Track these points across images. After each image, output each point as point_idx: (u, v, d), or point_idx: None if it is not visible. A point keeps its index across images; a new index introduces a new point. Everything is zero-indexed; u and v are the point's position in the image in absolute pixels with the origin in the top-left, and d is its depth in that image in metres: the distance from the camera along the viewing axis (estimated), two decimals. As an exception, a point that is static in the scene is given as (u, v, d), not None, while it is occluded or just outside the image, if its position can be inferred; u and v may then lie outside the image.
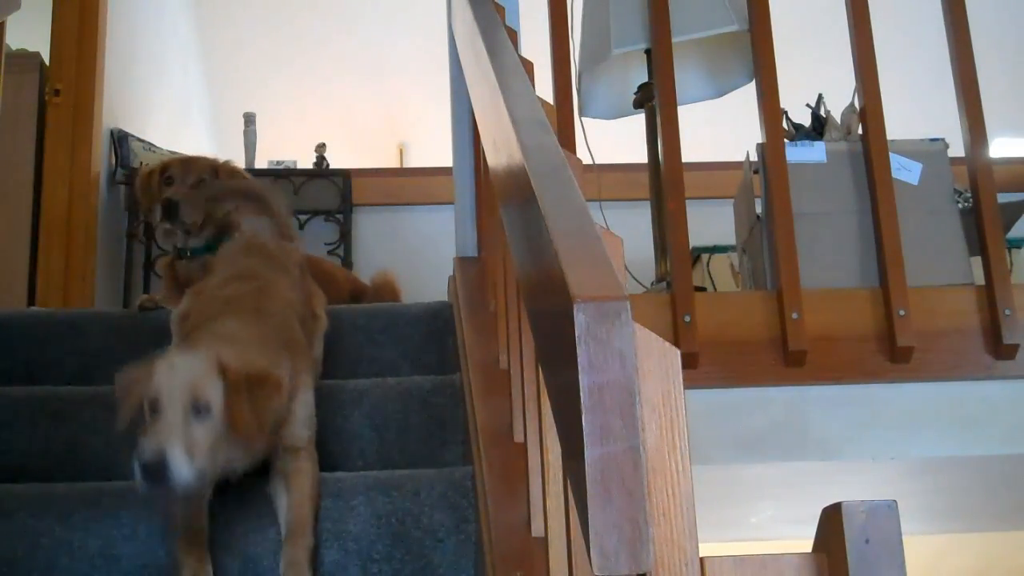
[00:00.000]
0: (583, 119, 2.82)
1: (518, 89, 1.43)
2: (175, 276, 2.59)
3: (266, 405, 1.56)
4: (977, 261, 2.40)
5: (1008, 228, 3.00)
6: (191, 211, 2.52)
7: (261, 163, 4.60)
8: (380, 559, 1.73)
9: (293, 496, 1.72)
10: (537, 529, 1.39)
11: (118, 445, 2.05)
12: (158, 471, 1.40)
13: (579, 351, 0.77)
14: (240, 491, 1.77)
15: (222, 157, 2.71)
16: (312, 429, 1.84)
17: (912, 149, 2.53)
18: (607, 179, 3.19)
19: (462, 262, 2.59)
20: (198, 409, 1.48)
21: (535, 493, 1.41)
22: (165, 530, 1.71)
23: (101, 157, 3.89)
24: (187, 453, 1.44)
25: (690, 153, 2.42)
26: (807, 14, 4.60)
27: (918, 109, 3.74)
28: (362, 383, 2.17)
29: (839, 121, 2.60)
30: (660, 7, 2.44)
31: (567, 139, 2.35)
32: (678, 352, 0.83)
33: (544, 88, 2.02)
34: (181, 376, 1.49)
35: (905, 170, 2.49)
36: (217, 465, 1.56)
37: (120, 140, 4.04)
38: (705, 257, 3.37)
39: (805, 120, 2.70)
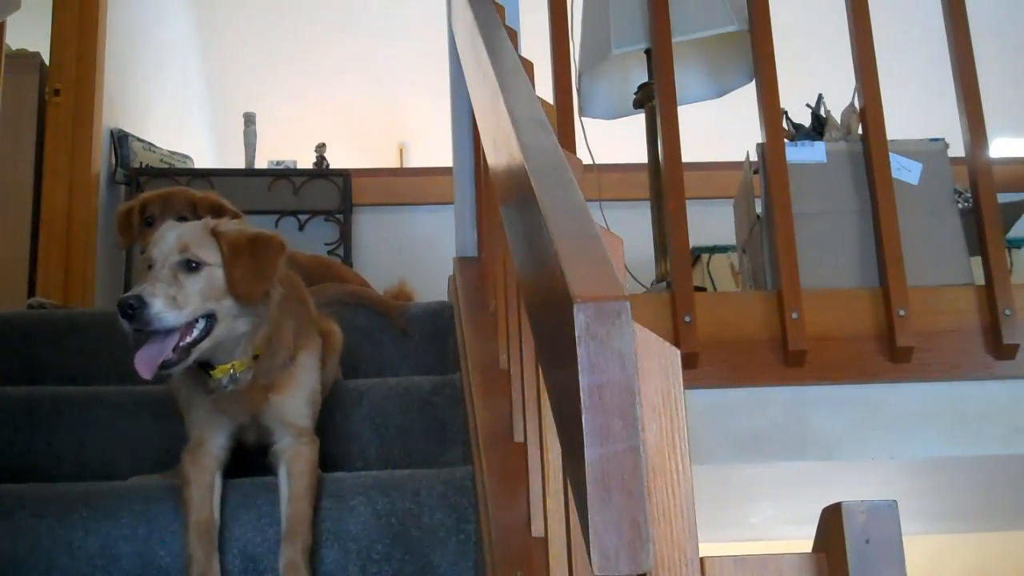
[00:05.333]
0: (583, 119, 2.82)
1: (518, 89, 1.43)
2: None
3: (267, 261, 1.70)
4: (977, 261, 2.40)
5: (1008, 228, 3.00)
6: None
7: (261, 163, 4.59)
8: (380, 559, 1.73)
9: (293, 485, 1.73)
10: (537, 529, 1.39)
11: (118, 445, 2.06)
12: (131, 308, 1.57)
13: (579, 351, 0.77)
14: (241, 490, 1.77)
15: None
16: (314, 408, 1.85)
17: (912, 149, 2.53)
18: (607, 179, 3.20)
19: (462, 262, 2.59)
20: (188, 266, 1.64)
21: (535, 493, 1.41)
22: (178, 522, 1.72)
23: (101, 157, 3.89)
24: (168, 299, 1.60)
25: (690, 153, 2.42)
26: (807, 14, 4.60)
27: (918, 109, 3.74)
28: (362, 383, 2.17)
29: (839, 121, 2.60)
30: (660, 7, 2.44)
31: (567, 139, 2.35)
32: (678, 352, 0.83)
33: (544, 88, 2.01)
34: (171, 239, 1.67)
35: (905, 170, 2.49)
36: (221, 329, 1.67)
37: (120, 140, 4.04)
38: (705, 257, 3.37)
39: (805, 120, 2.70)
